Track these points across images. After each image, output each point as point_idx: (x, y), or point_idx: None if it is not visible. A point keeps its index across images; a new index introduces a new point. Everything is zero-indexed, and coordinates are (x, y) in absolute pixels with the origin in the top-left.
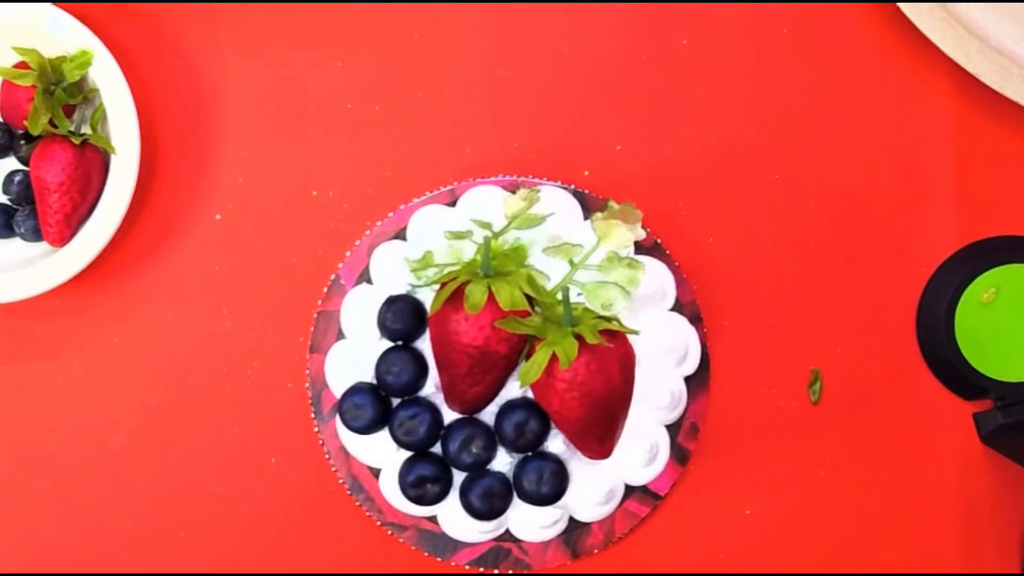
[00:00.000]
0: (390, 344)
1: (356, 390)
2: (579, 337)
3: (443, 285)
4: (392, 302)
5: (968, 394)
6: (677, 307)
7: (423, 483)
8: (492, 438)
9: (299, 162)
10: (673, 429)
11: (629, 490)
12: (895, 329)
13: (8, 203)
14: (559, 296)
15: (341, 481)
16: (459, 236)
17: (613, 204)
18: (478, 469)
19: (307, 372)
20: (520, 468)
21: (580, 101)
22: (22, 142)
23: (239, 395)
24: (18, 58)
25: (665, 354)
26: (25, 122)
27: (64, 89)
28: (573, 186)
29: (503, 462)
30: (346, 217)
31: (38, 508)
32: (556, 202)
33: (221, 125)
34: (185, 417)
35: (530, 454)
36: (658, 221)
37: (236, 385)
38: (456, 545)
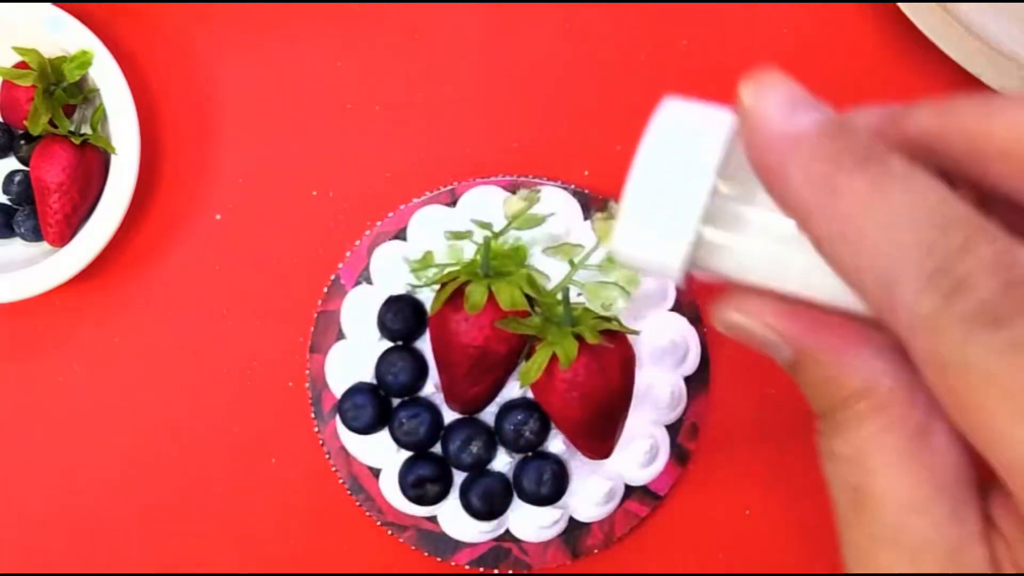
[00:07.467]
0: (390, 344)
1: (356, 390)
2: (579, 337)
3: (443, 285)
4: (392, 302)
5: None
6: (677, 307)
7: (423, 483)
8: (492, 438)
9: (299, 162)
10: (673, 429)
11: (629, 490)
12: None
13: (8, 203)
14: (559, 296)
15: (341, 481)
16: (459, 236)
17: (613, 204)
18: (478, 469)
19: (307, 372)
20: (520, 468)
21: (580, 101)
22: (22, 142)
23: (239, 395)
24: (18, 58)
25: (665, 354)
26: (25, 122)
27: (64, 89)
28: (573, 186)
29: (503, 462)
30: (346, 217)
31: (38, 508)
32: (556, 202)
33: (221, 125)
34: (185, 417)
35: (530, 454)
36: None
37: (236, 385)
38: (456, 545)
